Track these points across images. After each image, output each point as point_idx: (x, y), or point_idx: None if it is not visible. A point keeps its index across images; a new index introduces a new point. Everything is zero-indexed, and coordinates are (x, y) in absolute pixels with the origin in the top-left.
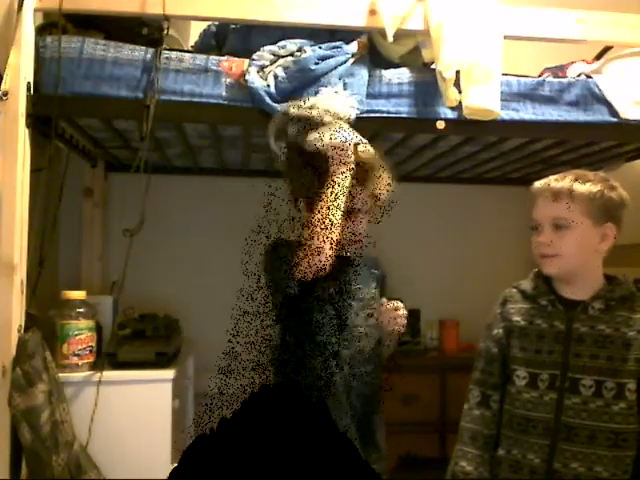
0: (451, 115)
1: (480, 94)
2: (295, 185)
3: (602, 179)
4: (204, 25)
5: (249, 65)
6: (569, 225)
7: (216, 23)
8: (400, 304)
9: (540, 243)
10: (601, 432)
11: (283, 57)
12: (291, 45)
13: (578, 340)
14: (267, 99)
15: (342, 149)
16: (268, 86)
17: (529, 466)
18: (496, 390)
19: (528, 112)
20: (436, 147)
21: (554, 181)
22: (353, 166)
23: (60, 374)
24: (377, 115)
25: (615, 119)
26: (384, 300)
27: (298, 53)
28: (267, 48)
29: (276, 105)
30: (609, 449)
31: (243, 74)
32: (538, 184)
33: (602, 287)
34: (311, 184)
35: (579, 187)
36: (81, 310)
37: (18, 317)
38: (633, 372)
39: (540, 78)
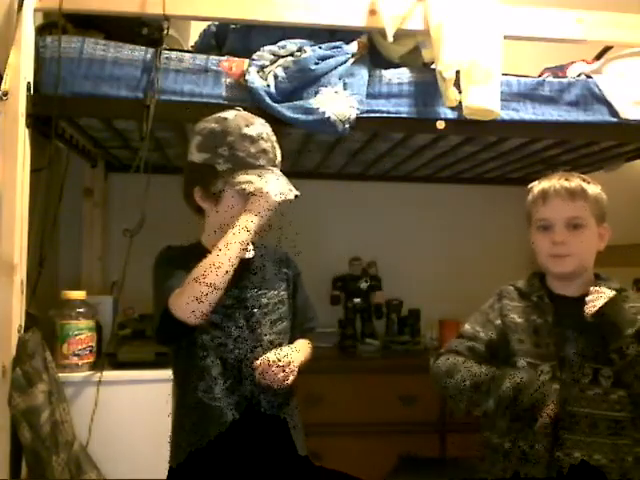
0: (451, 115)
1: (480, 94)
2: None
3: (594, 181)
4: (204, 25)
5: (249, 65)
6: (584, 224)
7: (216, 23)
8: (275, 357)
9: (555, 242)
10: (602, 420)
11: (283, 57)
12: (291, 45)
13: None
14: (267, 99)
15: (266, 200)
16: (268, 86)
17: (535, 457)
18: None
19: (528, 112)
20: (436, 147)
21: (565, 181)
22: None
23: (60, 374)
24: (377, 115)
25: (615, 119)
26: (263, 358)
27: (298, 53)
28: (267, 48)
29: (276, 105)
30: (609, 437)
31: (243, 74)
32: (546, 185)
33: (592, 283)
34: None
35: (588, 187)
36: (81, 310)
37: (18, 317)
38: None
39: (540, 78)
